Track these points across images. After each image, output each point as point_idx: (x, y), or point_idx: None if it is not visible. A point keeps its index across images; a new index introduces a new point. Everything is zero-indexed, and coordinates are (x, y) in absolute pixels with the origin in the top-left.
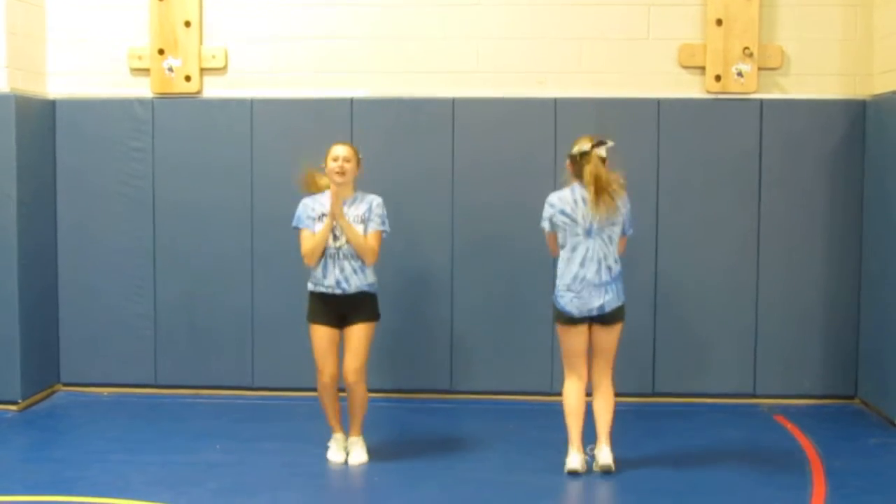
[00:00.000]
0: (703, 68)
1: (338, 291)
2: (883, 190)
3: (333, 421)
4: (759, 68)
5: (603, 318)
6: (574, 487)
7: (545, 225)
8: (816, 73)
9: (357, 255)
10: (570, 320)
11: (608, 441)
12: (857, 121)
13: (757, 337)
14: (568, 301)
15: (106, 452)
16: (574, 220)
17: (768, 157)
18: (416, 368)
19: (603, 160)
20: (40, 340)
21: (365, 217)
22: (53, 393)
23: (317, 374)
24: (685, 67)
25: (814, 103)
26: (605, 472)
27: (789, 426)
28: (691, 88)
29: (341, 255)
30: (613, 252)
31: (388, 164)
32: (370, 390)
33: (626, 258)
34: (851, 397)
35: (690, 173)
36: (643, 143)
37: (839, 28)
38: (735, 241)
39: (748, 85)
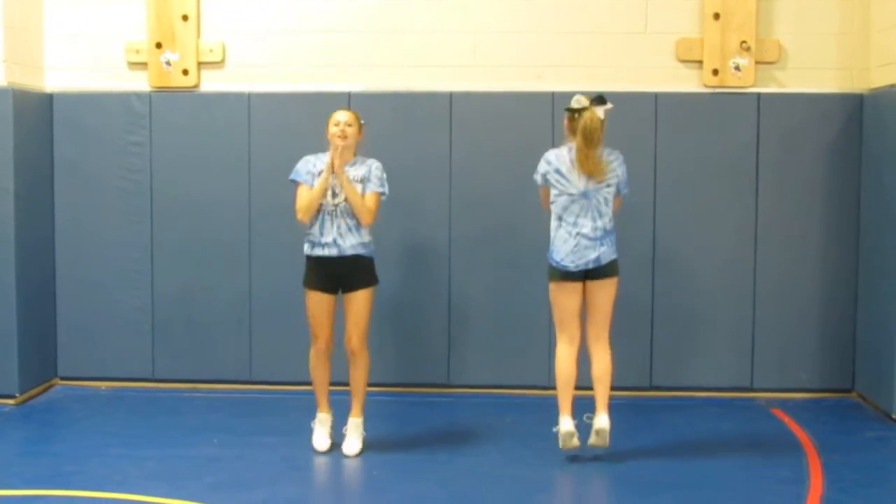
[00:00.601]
0: (700, 62)
1: (334, 251)
2: (880, 183)
3: (321, 396)
4: (757, 62)
5: (598, 272)
6: (571, 481)
7: (538, 178)
8: (814, 67)
9: (353, 214)
10: (566, 275)
11: (606, 410)
12: (854, 115)
13: (754, 330)
14: (563, 255)
15: (103, 446)
16: (569, 181)
17: (766, 151)
18: (413, 362)
19: (601, 122)
20: (38, 334)
21: (364, 177)
22: (51, 387)
23: (311, 341)
24: (682, 61)
25: (811, 97)
26: (600, 439)
27: (786, 419)
28: (689, 82)
29: (339, 213)
30: (608, 212)
31: (385, 158)
32: (368, 384)
33: (624, 254)
34: (849, 391)
35: (688, 167)
36: (640, 137)
37: (836, 22)
38: (732, 235)
39: (745, 79)
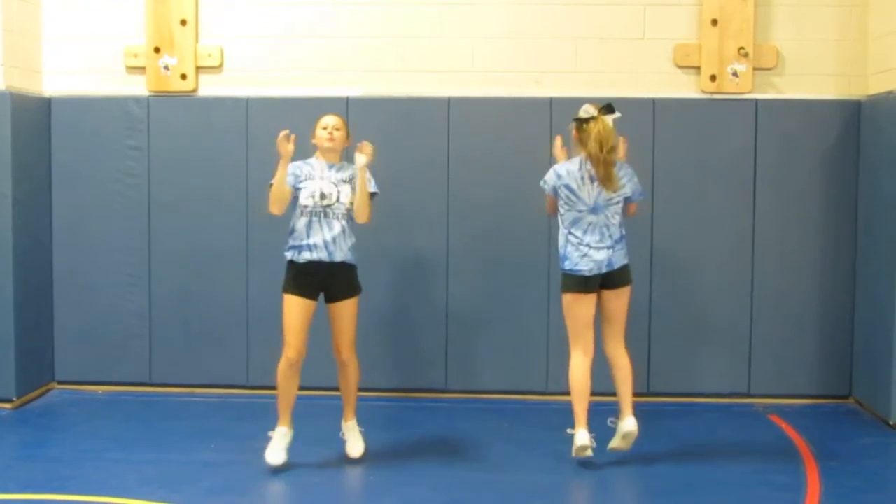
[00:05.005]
0: (698, 68)
1: (323, 255)
2: (878, 190)
3: (285, 409)
4: (754, 68)
5: (612, 279)
6: (569, 487)
7: (545, 187)
8: (811, 74)
9: (346, 216)
10: (581, 285)
11: (632, 411)
12: (851, 121)
13: (751, 336)
14: (577, 260)
15: (100, 451)
16: (578, 197)
17: (763, 158)
18: (411, 367)
19: (612, 130)
20: (35, 338)
21: (352, 178)
22: (48, 391)
23: (283, 349)
24: (680, 67)
25: (809, 103)
26: (625, 443)
27: (784, 426)
28: (686, 88)
29: (330, 214)
30: (618, 221)
31: (383, 163)
32: (365, 388)
33: None
34: (846, 397)
35: (685, 173)
36: (638, 142)
37: (834, 28)
38: (730, 241)
39: (743, 85)
